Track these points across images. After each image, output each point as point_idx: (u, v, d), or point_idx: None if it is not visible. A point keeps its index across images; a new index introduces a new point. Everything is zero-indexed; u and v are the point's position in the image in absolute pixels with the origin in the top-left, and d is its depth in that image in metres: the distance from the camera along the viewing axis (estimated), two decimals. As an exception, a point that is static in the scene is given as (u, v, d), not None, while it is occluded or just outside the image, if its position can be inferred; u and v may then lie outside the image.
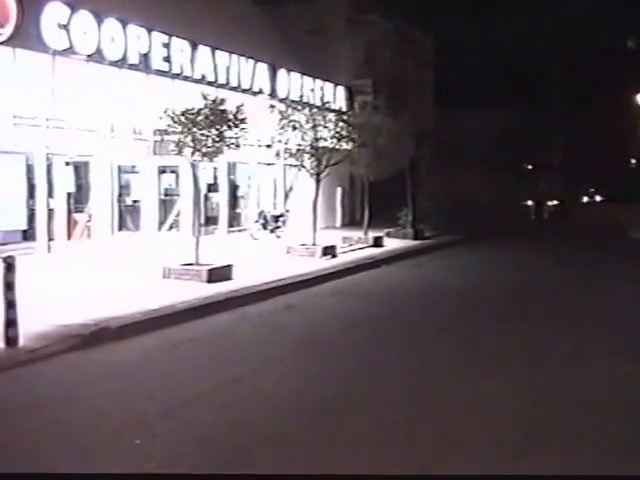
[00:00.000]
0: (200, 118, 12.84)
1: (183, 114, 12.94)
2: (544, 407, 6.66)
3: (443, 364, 8.14)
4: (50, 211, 15.68)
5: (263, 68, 21.69)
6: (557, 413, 6.52)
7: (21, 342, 8.03)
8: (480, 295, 13.37)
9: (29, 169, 15.47)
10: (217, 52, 19.61)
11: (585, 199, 62.58)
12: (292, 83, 22.91)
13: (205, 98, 13.11)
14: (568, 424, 6.17)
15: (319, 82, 24.51)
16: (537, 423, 6.18)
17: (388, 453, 5.41)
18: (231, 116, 13.16)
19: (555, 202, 40.68)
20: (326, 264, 16.10)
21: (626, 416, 6.35)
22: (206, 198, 20.63)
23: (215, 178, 21.25)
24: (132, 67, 16.71)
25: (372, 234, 20.48)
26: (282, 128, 17.18)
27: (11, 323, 7.93)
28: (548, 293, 13.82)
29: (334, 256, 17.30)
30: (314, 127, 17.35)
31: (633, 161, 61.38)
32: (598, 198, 62.70)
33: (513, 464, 5.22)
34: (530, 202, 37.46)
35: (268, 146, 18.32)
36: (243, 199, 23.15)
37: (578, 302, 12.78)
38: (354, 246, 19.69)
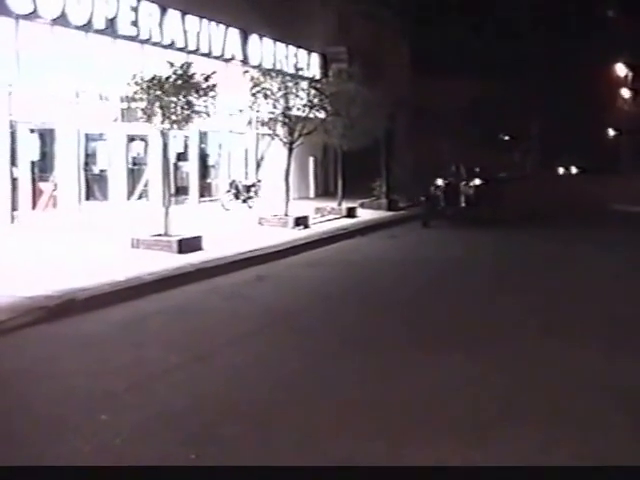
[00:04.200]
0: (167, 86, 12.52)
1: (150, 80, 12.62)
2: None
3: (416, 333, 8.06)
4: (14, 180, 15.27)
5: (234, 34, 21.24)
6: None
7: (-18, 315, 7.81)
8: (451, 266, 13.34)
9: (-9, 137, 15.03)
10: (187, 17, 19.11)
11: (561, 170, 62.51)
12: (264, 49, 22.50)
13: (172, 65, 12.77)
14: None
15: (292, 49, 24.11)
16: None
17: (358, 429, 5.30)
18: (200, 80, 12.85)
19: (477, 182, 23.17)
20: (298, 235, 15.94)
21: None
22: (176, 167, 20.22)
23: (185, 147, 20.86)
24: (98, 32, 16.21)
25: (346, 205, 20.34)
26: (254, 95, 16.88)
27: (-28, 296, 7.70)
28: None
29: (306, 227, 17.14)
30: (285, 95, 17.07)
31: (611, 132, 61.63)
32: (574, 170, 62.63)
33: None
34: (440, 182, 22.10)
35: (240, 111, 17.89)
36: (214, 168, 22.81)
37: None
38: (327, 217, 19.54)
